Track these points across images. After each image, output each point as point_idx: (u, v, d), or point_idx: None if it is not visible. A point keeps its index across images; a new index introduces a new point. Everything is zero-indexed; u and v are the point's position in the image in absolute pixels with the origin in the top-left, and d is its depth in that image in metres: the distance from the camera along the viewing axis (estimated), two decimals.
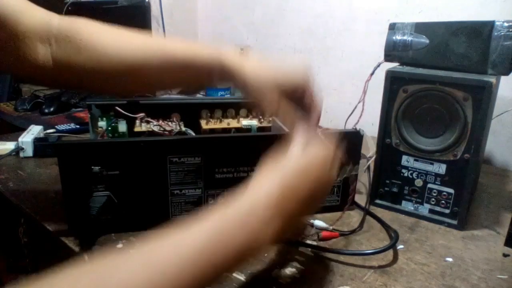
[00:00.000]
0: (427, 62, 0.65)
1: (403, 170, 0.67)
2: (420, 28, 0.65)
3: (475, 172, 0.64)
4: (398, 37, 0.66)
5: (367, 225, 0.64)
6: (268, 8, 1.36)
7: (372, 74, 0.68)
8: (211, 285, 0.34)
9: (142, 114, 0.69)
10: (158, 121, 0.71)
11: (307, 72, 0.55)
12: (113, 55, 0.51)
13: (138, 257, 0.34)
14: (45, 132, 0.96)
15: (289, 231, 0.42)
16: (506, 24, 0.58)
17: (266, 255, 0.54)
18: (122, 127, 0.73)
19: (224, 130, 0.74)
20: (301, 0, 1.26)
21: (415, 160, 0.66)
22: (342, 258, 0.55)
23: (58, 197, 0.68)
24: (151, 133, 0.73)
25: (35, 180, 0.75)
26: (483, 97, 0.58)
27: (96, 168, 0.54)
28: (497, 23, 0.59)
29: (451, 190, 0.64)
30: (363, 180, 0.74)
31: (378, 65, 0.69)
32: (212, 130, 0.75)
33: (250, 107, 0.76)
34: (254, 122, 0.75)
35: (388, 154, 0.68)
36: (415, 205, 0.68)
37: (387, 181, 0.69)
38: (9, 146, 0.88)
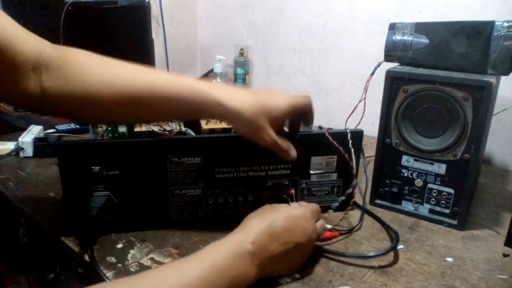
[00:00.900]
0: (427, 62, 0.65)
1: (403, 170, 0.67)
2: (420, 28, 0.65)
3: (475, 172, 0.64)
4: (398, 37, 0.66)
5: (367, 224, 0.64)
6: (268, 8, 1.36)
7: (372, 74, 0.69)
8: None
9: None
10: None
11: (297, 103, 0.57)
12: (102, 86, 0.50)
13: (146, 282, 0.40)
14: (45, 132, 0.96)
15: (274, 269, 0.49)
16: (506, 24, 0.58)
17: None
18: (122, 127, 0.73)
19: (224, 130, 0.75)
20: (301, 0, 1.26)
21: (415, 160, 0.66)
22: (342, 258, 0.55)
23: (58, 197, 0.68)
24: (151, 133, 0.73)
25: (35, 180, 0.75)
26: (483, 97, 0.58)
27: (96, 168, 0.54)
28: (497, 23, 0.59)
29: (451, 190, 0.64)
30: (363, 180, 0.74)
31: (378, 65, 0.69)
32: (212, 130, 0.75)
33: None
34: None
35: (388, 154, 0.68)
36: (415, 205, 0.68)
37: (387, 181, 0.69)
38: (9, 146, 0.88)
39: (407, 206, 0.69)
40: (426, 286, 0.51)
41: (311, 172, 0.63)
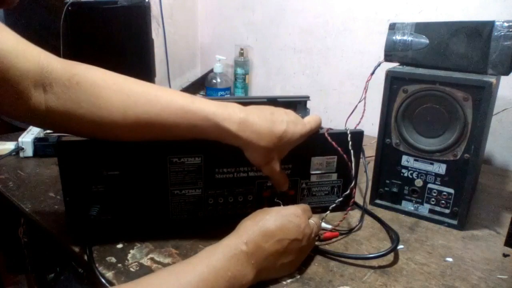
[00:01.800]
0: (427, 62, 0.65)
1: (403, 170, 0.67)
2: (420, 28, 0.65)
3: (475, 172, 0.64)
4: (398, 37, 0.66)
5: (367, 225, 0.64)
6: (268, 8, 1.36)
7: (372, 74, 0.68)
8: None
9: None
10: None
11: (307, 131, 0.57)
12: (116, 109, 0.49)
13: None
14: (45, 132, 0.95)
15: (272, 270, 0.49)
16: (506, 24, 0.58)
17: None
18: None
19: None
20: (301, 0, 1.26)
21: (415, 160, 0.66)
22: (342, 258, 0.55)
23: (58, 197, 0.68)
24: None
25: (35, 180, 0.75)
26: (483, 97, 0.58)
27: (96, 168, 0.54)
28: (497, 23, 0.59)
29: (451, 190, 0.64)
30: (363, 180, 0.74)
31: (378, 65, 0.69)
32: None
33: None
34: None
35: (388, 154, 0.68)
36: (415, 205, 0.68)
37: (387, 181, 0.69)
38: (9, 146, 0.88)
39: (407, 206, 0.69)
40: (426, 286, 0.51)
41: (311, 172, 0.63)
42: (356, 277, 0.52)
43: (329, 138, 0.59)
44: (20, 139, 0.85)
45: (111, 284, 0.48)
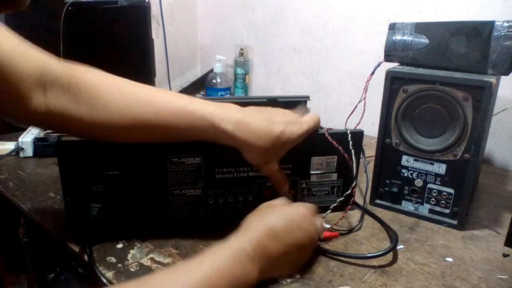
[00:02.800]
0: (427, 62, 0.65)
1: (403, 170, 0.67)
2: (420, 28, 0.65)
3: (475, 172, 0.64)
4: (398, 37, 0.66)
5: (367, 224, 0.64)
6: (268, 8, 1.36)
7: (372, 74, 0.68)
8: None
9: None
10: None
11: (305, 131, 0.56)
12: (115, 110, 0.49)
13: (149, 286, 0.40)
14: (45, 132, 0.95)
15: (276, 270, 0.48)
16: (506, 24, 0.58)
17: None
18: None
19: None
20: (301, 0, 1.26)
21: (415, 160, 0.66)
22: (342, 258, 0.55)
23: (58, 197, 0.68)
24: None
25: (35, 180, 0.75)
26: (483, 97, 0.58)
27: (96, 168, 0.54)
28: (497, 23, 0.59)
29: (451, 190, 0.64)
30: (363, 180, 0.74)
31: (378, 65, 0.69)
32: None
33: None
34: None
35: (388, 154, 0.68)
36: (415, 205, 0.68)
37: (387, 181, 0.69)
38: (9, 146, 0.88)
39: (407, 206, 0.69)
40: (426, 286, 0.51)
41: (311, 172, 0.63)
42: (356, 277, 0.52)
43: (329, 137, 0.59)
44: (20, 139, 0.85)
45: (112, 284, 0.48)
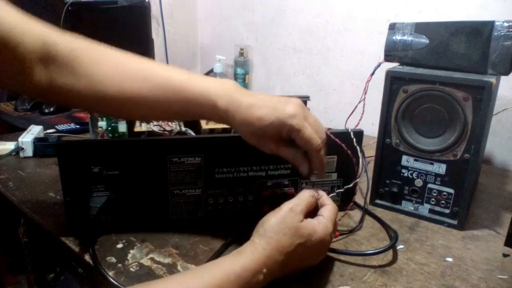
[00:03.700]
0: (427, 62, 0.65)
1: (403, 170, 0.67)
2: (420, 28, 0.65)
3: (475, 172, 0.64)
4: (398, 37, 0.66)
5: (367, 224, 0.64)
6: (268, 8, 1.36)
7: (372, 74, 0.69)
8: None
9: None
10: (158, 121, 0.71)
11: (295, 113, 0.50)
12: (112, 85, 0.49)
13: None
14: (45, 132, 0.96)
15: (289, 268, 0.47)
16: (506, 24, 0.58)
17: None
18: (122, 127, 0.73)
19: (224, 130, 0.74)
20: (301, 0, 1.26)
21: (415, 160, 0.66)
22: (342, 257, 0.55)
23: (58, 197, 0.68)
24: (151, 133, 0.73)
25: (35, 180, 0.75)
26: (483, 97, 0.58)
27: (96, 168, 0.54)
28: (497, 23, 0.59)
29: (451, 190, 0.64)
30: (364, 180, 0.74)
31: (378, 65, 0.69)
32: (212, 130, 0.75)
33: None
34: None
35: (388, 154, 0.68)
36: (415, 205, 0.68)
37: (387, 181, 0.69)
38: (9, 146, 0.88)
39: (407, 206, 0.69)
40: (426, 286, 0.51)
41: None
42: (356, 277, 0.52)
43: (332, 136, 0.59)
44: (20, 139, 0.85)
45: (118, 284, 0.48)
